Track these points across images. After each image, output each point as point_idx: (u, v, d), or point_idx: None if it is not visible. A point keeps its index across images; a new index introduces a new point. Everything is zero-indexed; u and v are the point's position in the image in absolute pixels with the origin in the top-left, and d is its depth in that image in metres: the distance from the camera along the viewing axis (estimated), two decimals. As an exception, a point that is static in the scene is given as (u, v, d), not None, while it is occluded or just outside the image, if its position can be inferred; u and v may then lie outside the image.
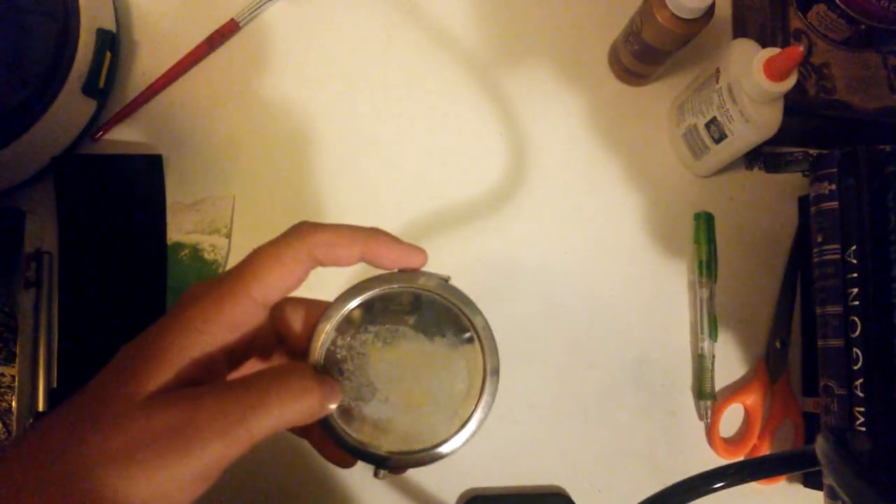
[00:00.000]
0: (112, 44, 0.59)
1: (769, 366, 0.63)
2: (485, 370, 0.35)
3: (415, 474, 0.59)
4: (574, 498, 0.60)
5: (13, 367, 0.55)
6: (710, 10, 0.55)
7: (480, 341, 0.35)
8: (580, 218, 0.64)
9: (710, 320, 0.62)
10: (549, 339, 0.62)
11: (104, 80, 0.59)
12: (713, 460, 0.62)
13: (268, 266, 0.32)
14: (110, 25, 0.60)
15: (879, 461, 0.51)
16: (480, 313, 0.35)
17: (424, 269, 0.36)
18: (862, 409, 0.53)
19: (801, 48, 0.50)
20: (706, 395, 0.62)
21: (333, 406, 0.33)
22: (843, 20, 0.60)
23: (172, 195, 0.61)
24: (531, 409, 0.61)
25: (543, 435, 0.61)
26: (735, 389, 0.63)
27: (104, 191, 0.60)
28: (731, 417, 0.63)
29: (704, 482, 0.40)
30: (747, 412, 0.63)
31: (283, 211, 0.62)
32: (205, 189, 0.61)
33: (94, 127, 0.61)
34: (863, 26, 0.59)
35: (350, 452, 0.34)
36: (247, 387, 0.30)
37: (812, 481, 0.61)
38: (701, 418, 0.62)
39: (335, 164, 0.63)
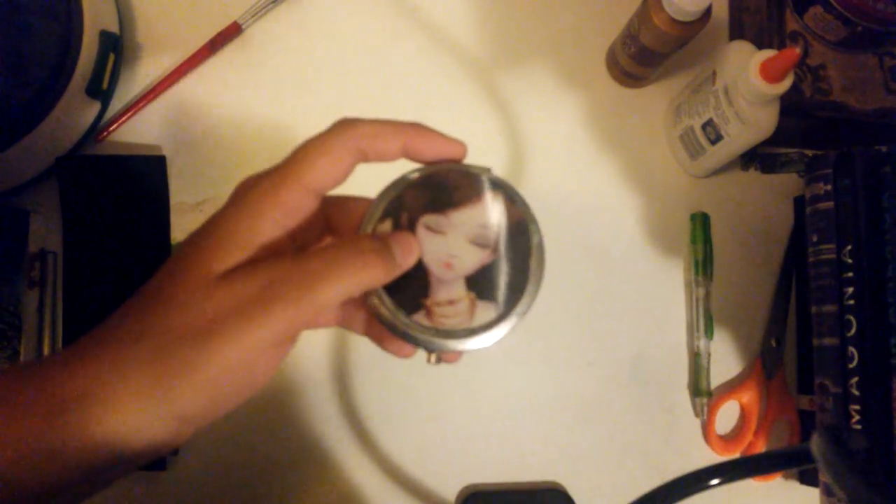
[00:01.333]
0: (115, 46, 0.60)
1: (765, 364, 0.64)
2: (530, 262, 0.35)
3: (414, 470, 0.60)
4: (571, 494, 0.61)
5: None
6: (707, 13, 0.55)
7: (529, 238, 0.35)
8: (577, 218, 0.65)
9: (706, 319, 0.63)
10: (547, 337, 0.63)
11: (107, 82, 0.59)
12: (709, 457, 0.62)
13: (316, 156, 0.33)
14: (114, 27, 0.60)
15: (875, 459, 0.52)
16: (528, 207, 0.36)
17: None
18: (857, 408, 0.53)
19: (798, 50, 0.51)
20: (702, 393, 0.62)
21: (385, 280, 0.34)
22: (839, 22, 0.60)
23: (176, 196, 0.61)
24: (529, 406, 0.62)
25: (541, 432, 0.62)
26: (731, 387, 0.64)
27: (108, 191, 0.60)
28: (727, 415, 0.64)
29: (701, 479, 0.40)
30: (743, 410, 0.63)
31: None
32: (208, 190, 0.62)
33: (98, 128, 0.61)
34: (859, 28, 0.60)
35: (403, 338, 0.35)
36: (316, 256, 0.32)
37: (808, 478, 0.62)
38: (697, 415, 0.63)
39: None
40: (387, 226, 0.35)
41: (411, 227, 0.35)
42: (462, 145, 0.37)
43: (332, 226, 0.38)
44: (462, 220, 0.35)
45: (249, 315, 0.29)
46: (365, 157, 0.34)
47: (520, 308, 0.35)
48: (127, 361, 0.29)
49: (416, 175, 0.36)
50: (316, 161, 0.33)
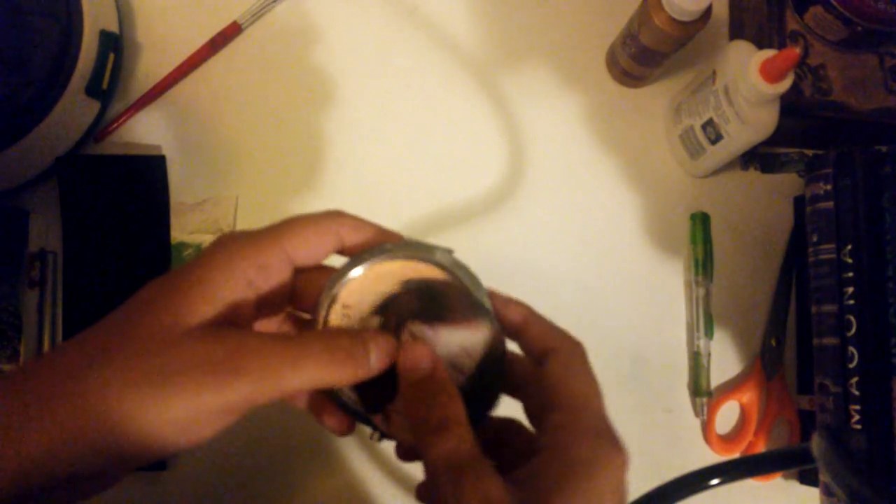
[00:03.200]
0: (115, 46, 0.60)
1: (765, 364, 0.64)
2: (491, 356, 0.35)
3: (415, 474, 0.60)
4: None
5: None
6: (707, 13, 0.55)
7: (490, 321, 0.35)
8: (578, 218, 0.65)
9: (706, 319, 0.63)
10: (547, 338, 0.63)
11: (107, 82, 0.59)
12: (709, 457, 0.62)
13: (302, 227, 0.34)
14: (113, 27, 0.60)
15: (874, 458, 0.52)
16: (484, 292, 0.36)
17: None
18: (857, 408, 0.53)
19: (798, 50, 0.51)
20: (702, 393, 0.62)
21: (354, 380, 0.33)
22: (839, 21, 0.60)
23: (176, 195, 0.61)
24: (530, 407, 0.62)
25: (542, 432, 0.62)
26: (731, 387, 0.64)
27: (108, 191, 0.60)
28: (727, 415, 0.64)
29: (701, 479, 0.40)
30: (743, 409, 0.63)
31: (285, 211, 0.62)
32: (208, 189, 0.62)
33: (98, 128, 0.61)
34: (859, 28, 0.60)
35: (352, 415, 0.35)
36: (289, 342, 0.32)
37: (808, 478, 0.62)
38: (697, 415, 0.63)
39: (336, 165, 0.63)
40: (374, 322, 0.35)
41: (398, 329, 0.35)
42: None
43: (296, 294, 0.37)
44: (448, 338, 0.35)
45: (211, 376, 0.29)
46: (342, 246, 0.35)
47: (490, 399, 0.35)
48: (40, 398, 0.29)
49: (389, 248, 0.35)
50: (301, 232, 0.34)
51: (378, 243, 0.35)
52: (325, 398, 0.36)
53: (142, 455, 0.30)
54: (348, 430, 0.37)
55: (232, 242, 0.33)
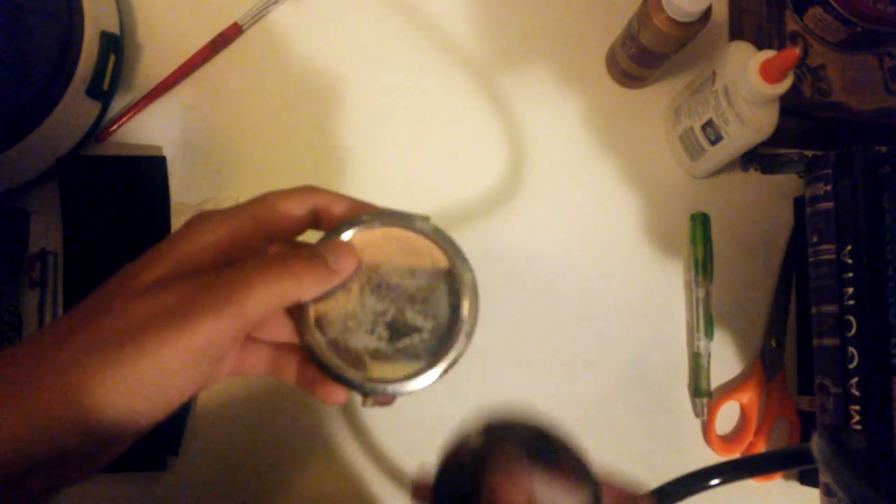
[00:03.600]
0: (116, 47, 0.60)
1: (765, 364, 0.64)
2: (462, 307, 0.36)
3: (410, 471, 0.60)
4: (573, 495, 0.61)
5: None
6: (707, 14, 0.55)
7: (461, 282, 0.36)
8: (578, 219, 0.65)
9: (706, 319, 0.63)
10: (546, 339, 0.63)
11: (108, 83, 0.59)
12: (709, 457, 0.62)
13: (276, 199, 0.34)
14: (114, 28, 0.60)
15: (874, 459, 0.52)
16: (465, 259, 0.37)
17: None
18: (857, 408, 0.53)
19: (797, 50, 0.51)
20: (702, 393, 0.62)
21: (316, 289, 0.33)
22: (839, 22, 0.60)
23: (176, 196, 0.61)
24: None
25: (542, 433, 0.62)
26: (731, 387, 0.64)
27: (108, 192, 0.60)
28: (728, 415, 0.64)
29: (701, 479, 0.40)
30: (743, 410, 0.63)
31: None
32: (208, 190, 0.62)
33: (99, 129, 0.61)
34: (859, 28, 0.60)
35: (336, 380, 0.35)
36: (238, 268, 0.31)
37: (808, 479, 0.62)
38: (697, 416, 0.63)
39: (337, 165, 0.63)
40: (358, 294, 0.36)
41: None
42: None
43: None
44: (401, 273, 0.36)
45: (166, 324, 0.29)
46: (317, 218, 0.35)
47: (451, 354, 0.36)
48: (18, 377, 0.29)
49: (367, 219, 0.36)
50: (274, 202, 0.34)
51: (355, 215, 0.35)
52: (313, 366, 0.35)
53: (117, 427, 0.29)
54: (343, 398, 0.36)
55: (199, 214, 0.33)
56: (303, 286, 0.32)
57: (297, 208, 0.34)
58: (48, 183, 0.59)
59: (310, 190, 0.35)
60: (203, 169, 0.62)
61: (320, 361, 0.34)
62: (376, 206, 0.36)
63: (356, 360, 0.35)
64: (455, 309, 0.36)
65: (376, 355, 0.35)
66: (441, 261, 0.37)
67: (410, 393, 0.35)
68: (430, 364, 0.35)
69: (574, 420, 0.62)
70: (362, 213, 0.36)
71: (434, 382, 0.35)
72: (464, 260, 0.37)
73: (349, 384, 0.35)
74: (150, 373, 0.29)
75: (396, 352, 0.35)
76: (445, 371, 0.35)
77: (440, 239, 0.37)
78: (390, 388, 0.35)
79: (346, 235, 0.35)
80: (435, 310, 0.36)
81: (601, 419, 0.62)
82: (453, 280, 0.36)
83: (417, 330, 0.36)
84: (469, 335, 0.36)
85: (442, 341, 0.36)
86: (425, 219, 0.37)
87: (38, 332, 0.31)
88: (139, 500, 0.58)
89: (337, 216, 0.35)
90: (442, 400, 0.61)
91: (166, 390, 0.30)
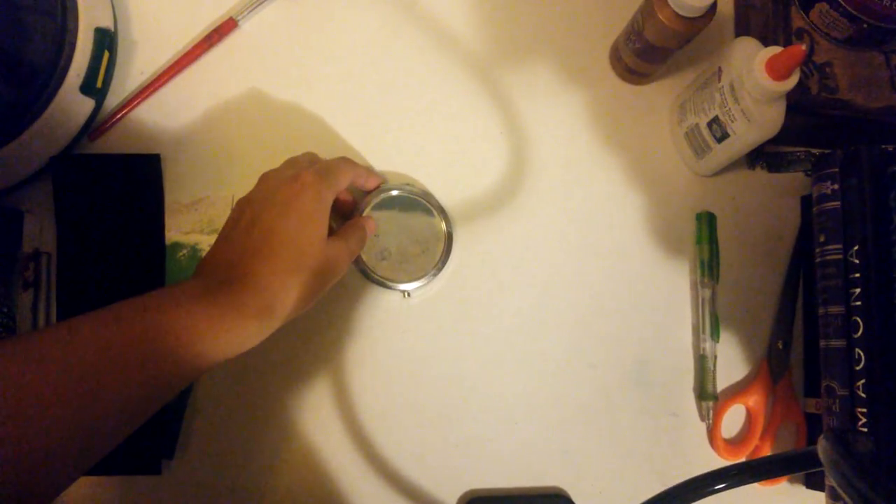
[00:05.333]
0: (110, 43, 0.59)
1: (771, 366, 0.63)
2: (445, 235, 0.62)
3: (415, 475, 0.59)
4: (575, 499, 0.60)
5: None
6: (712, 9, 0.55)
7: (445, 219, 0.62)
8: (581, 217, 0.64)
9: (711, 320, 0.62)
10: (549, 339, 0.62)
11: (102, 80, 0.59)
12: (715, 461, 0.62)
13: (344, 175, 0.55)
14: (108, 24, 0.60)
15: (881, 462, 0.51)
16: (444, 213, 0.62)
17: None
18: (864, 410, 0.53)
19: (804, 47, 0.50)
20: (708, 396, 0.61)
21: (364, 243, 0.58)
22: (845, 19, 0.59)
23: (171, 195, 0.60)
24: (531, 411, 0.61)
25: (544, 436, 0.61)
26: (737, 390, 0.63)
27: (102, 190, 0.59)
28: (733, 418, 0.63)
29: (706, 483, 0.39)
30: (749, 413, 0.63)
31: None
32: (203, 188, 0.61)
33: (93, 126, 0.60)
34: (865, 25, 0.59)
35: (371, 279, 0.61)
36: (348, 225, 0.58)
37: (814, 482, 0.61)
38: (702, 419, 0.62)
39: (335, 164, 0.63)
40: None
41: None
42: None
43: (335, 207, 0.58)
44: (409, 225, 0.62)
45: (326, 266, 0.52)
46: (349, 187, 0.58)
47: (433, 271, 0.61)
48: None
49: (392, 192, 0.61)
50: (355, 178, 0.58)
51: (375, 178, 0.61)
52: (361, 274, 0.61)
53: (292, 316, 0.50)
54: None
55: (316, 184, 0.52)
56: (365, 241, 0.58)
57: (348, 178, 0.56)
58: (42, 182, 0.59)
59: (350, 162, 0.58)
60: (198, 166, 0.62)
61: (365, 268, 0.60)
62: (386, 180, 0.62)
63: (386, 271, 0.61)
64: (435, 247, 0.61)
65: (396, 268, 0.61)
66: (429, 214, 0.62)
67: (405, 290, 0.61)
68: (419, 277, 0.60)
69: (577, 422, 0.61)
70: (382, 186, 0.61)
71: (419, 287, 0.61)
72: (442, 213, 0.62)
73: (378, 281, 0.60)
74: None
75: (400, 269, 0.60)
76: (430, 279, 0.61)
77: (428, 202, 0.62)
78: (400, 286, 0.60)
79: (370, 209, 0.61)
80: (424, 246, 0.61)
81: (604, 422, 0.61)
82: (435, 228, 0.62)
83: (412, 255, 0.61)
84: (441, 264, 0.61)
85: (426, 266, 0.61)
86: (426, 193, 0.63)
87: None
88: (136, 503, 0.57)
89: (368, 188, 0.61)
90: (444, 408, 0.61)
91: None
